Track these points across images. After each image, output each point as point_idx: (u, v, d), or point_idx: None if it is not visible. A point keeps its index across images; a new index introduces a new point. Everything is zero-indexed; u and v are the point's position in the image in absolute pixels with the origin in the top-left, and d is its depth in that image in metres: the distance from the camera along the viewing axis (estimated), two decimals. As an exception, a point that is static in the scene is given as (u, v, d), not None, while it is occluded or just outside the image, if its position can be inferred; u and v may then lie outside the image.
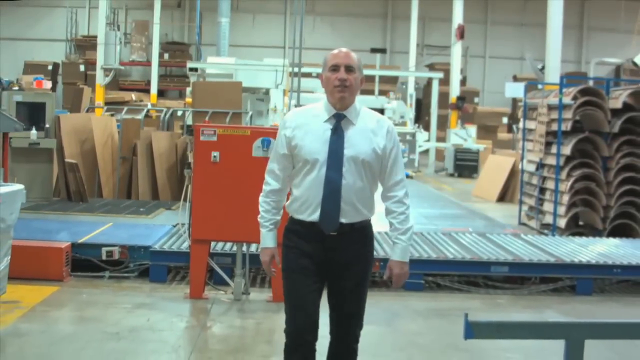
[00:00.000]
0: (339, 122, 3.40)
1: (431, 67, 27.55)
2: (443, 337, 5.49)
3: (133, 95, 24.29)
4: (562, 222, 9.93)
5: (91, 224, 7.82)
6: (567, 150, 9.94)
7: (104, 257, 6.75)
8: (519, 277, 7.15)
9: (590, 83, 12.55)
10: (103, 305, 5.88)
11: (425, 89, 27.60)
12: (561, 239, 8.56)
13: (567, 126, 10.04)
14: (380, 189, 3.55)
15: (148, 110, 13.88)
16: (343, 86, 3.37)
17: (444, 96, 22.85)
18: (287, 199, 3.57)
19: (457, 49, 21.99)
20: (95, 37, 24.30)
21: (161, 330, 5.30)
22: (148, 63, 25.42)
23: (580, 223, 10.40)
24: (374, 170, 3.44)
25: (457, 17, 21.48)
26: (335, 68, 3.40)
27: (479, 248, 7.48)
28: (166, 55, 27.10)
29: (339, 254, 3.41)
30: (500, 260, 7.01)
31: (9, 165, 7.43)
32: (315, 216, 3.36)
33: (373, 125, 3.44)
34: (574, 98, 10.03)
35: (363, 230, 3.47)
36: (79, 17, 28.77)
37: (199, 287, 6.16)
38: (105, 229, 7.55)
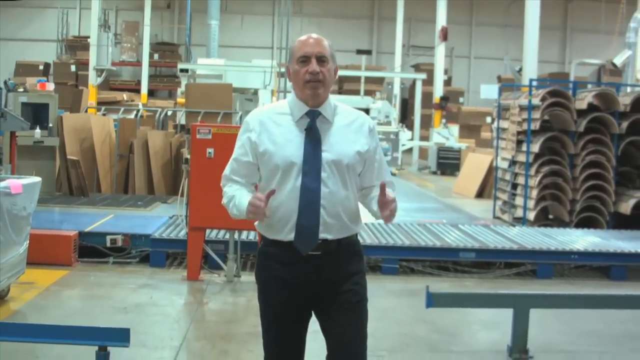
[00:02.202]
0: (313, 121, 2.91)
1: (417, 67, 28.14)
2: (412, 312, 6.19)
3: (124, 95, 24.76)
4: (531, 215, 10.65)
5: (94, 216, 8.51)
6: (536, 148, 10.65)
7: (108, 244, 7.46)
8: (485, 262, 7.89)
9: (570, 86, 13.24)
10: (110, 286, 6.58)
11: (410, 89, 28.24)
12: (526, 229, 9.31)
13: (536, 125, 10.75)
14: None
15: (139, 111, 14.51)
16: (316, 81, 2.88)
17: (429, 96, 23.50)
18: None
19: (440, 50, 22.61)
20: (86, 37, 24.72)
21: (163, 306, 6.02)
22: (138, 63, 25.72)
23: (550, 217, 11.12)
24: (357, 175, 2.99)
25: (441, 19, 22.12)
26: (304, 59, 2.90)
27: (450, 237, 8.20)
28: (156, 56, 27.45)
29: (326, 276, 2.91)
30: (468, 247, 7.75)
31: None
32: (293, 234, 2.87)
33: (350, 122, 2.98)
34: (543, 99, 10.75)
35: (351, 247, 2.98)
36: (69, 18, 29.13)
37: (195, 270, 6.86)
38: (107, 220, 8.25)
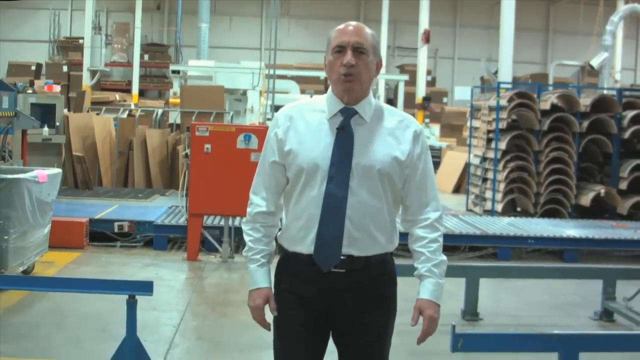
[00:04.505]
0: (347, 120, 2.56)
1: (402, 68, 28.71)
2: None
3: (117, 96, 25.39)
4: (499, 207, 11.59)
5: (100, 206, 9.45)
6: (503, 145, 11.58)
7: (115, 230, 8.39)
8: (451, 246, 8.78)
9: (550, 88, 14.15)
10: (120, 264, 7.53)
11: (395, 89, 28.98)
12: (491, 218, 10.28)
13: (503, 125, 11.67)
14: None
15: (130, 111, 15.40)
16: (350, 75, 2.52)
17: (412, 96, 24.29)
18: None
19: (423, 52, 23.42)
20: (78, 38, 25.32)
21: (168, 280, 6.97)
22: (129, 64, 26.20)
23: (518, 209, 12.07)
24: (396, 186, 2.59)
25: (424, 22, 22.90)
26: (340, 49, 2.53)
27: (421, 224, 9.12)
28: (146, 57, 27.89)
29: (349, 299, 2.57)
30: (436, 232, 8.67)
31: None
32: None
33: (394, 126, 2.60)
34: (510, 100, 11.70)
35: (381, 267, 2.62)
36: (61, 19, 29.66)
37: (194, 251, 7.78)
38: (114, 209, 9.21)
